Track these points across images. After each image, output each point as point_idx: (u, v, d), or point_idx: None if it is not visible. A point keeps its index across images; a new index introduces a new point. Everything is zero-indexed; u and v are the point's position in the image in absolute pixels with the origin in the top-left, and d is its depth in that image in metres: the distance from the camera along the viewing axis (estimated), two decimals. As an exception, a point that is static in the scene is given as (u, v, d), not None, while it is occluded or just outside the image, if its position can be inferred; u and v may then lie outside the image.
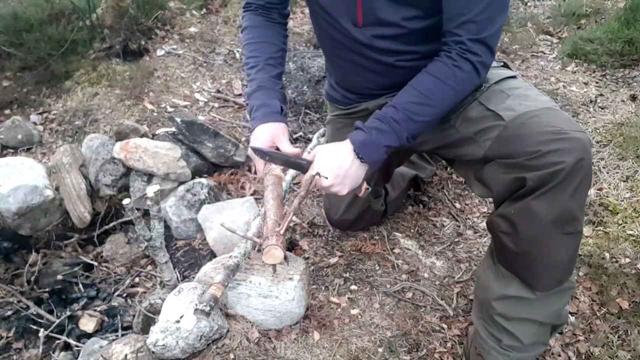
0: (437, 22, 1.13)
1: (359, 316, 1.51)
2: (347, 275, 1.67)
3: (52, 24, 2.64)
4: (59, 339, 1.65)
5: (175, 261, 1.81)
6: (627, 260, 1.69)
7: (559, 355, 1.43)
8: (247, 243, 1.39)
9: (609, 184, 2.01)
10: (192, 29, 2.97)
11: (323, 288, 1.61)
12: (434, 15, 1.14)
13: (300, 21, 3.28)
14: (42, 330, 1.65)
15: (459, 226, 1.92)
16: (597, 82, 2.79)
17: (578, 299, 1.58)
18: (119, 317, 1.72)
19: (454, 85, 1.12)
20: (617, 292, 1.59)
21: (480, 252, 1.80)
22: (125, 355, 1.28)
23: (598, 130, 2.33)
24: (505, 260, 1.19)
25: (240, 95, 2.59)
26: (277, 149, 1.26)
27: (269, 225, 1.10)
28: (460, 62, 1.10)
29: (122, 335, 1.60)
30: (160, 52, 2.73)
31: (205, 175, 2.09)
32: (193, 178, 2.03)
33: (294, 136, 2.34)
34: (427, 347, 1.44)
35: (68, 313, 1.74)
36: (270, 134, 1.26)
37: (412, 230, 1.89)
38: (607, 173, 2.06)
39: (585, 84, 2.79)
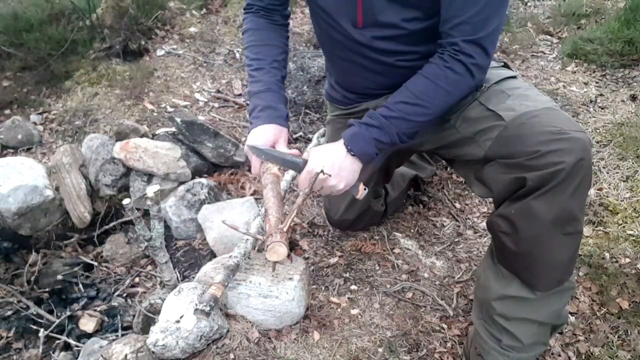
0: (437, 23, 1.14)
1: (359, 316, 1.51)
2: (347, 275, 1.67)
3: (52, 24, 2.64)
4: (59, 339, 1.65)
5: (175, 261, 1.81)
6: (627, 260, 1.69)
7: (559, 355, 1.43)
8: (247, 243, 1.39)
9: (609, 184, 2.01)
10: (192, 29, 2.97)
11: (323, 288, 1.61)
12: (433, 17, 1.14)
13: (300, 21, 3.28)
14: (42, 330, 1.65)
15: (459, 226, 1.92)
16: (597, 82, 2.79)
17: (578, 299, 1.58)
18: (119, 317, 1.72)
19: (446, 87, 1.12)
20: (617, 292, 1.59)
21: (480, 252, 1.80)
22: (125, 355, 1.28)
23: (598, 130, 2.33)
24: (506, 260, 1.19)
25: (240, 95, 2.59)
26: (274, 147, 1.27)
27: (272, 223, 1.09)
28: (452, 63, 1.10)
29: (122, 335, 1.60)
30: (160, 52, 2.73)
31: (205, 175, 2.09)
32: (193, 178, 2.03)
33: (294, 136, 2.34)
34: (427, 347, 1.44)
35: (68, 313, 1.74)
36: (272, 135, 1.26)
37: (412, 230, 1.89)
38: (607, 173, 2.06)
39: (585, 84, 2.79)
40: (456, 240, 1.86)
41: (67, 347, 1.65)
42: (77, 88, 2.47)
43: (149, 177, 1.99)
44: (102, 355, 1.31)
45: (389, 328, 1.49)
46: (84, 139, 2.11)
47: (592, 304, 1.58)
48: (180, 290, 1.34)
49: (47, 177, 1.94)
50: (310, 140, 2.25)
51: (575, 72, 2.92)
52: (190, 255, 1.85)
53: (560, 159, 1.00)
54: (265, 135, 1.26)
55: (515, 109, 1.12)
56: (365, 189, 1.23)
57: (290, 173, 1.68)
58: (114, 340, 1.47)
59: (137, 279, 1.86)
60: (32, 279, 1.87)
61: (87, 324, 1.70)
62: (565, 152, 1.00)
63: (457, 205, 2.02)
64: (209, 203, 1.90)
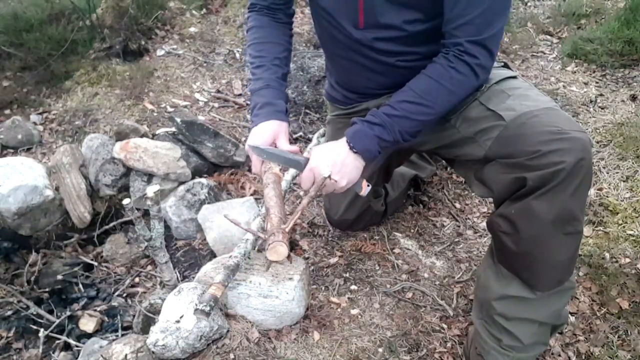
0: (438, 25, 1.14)
1: (359, 316, 1.51)
2: (347, 275, 1.67)
3: (52, 24, 2.64)
4: (59, 339, 1.65)
5: (175, 261, 1.81)
6: (627, 260, 1.68)
7: (559, 355, 1.43)
8: (247, 243, 1.39)
9: (609, 184, 2.01)
10: (192, 29, 2.97)
11: (323, 288, 1.61)
12: (434, 18, 1.14)
13: (300, 21, 3.27)
14: (42, 330, 1.65)
15: (459, 226, 1.92)
16: (597, 82, 2.79)
17: (578, 299, 1.58)
18: (119, 317, 1.72)
19: (450, 87, 1.12)
20: (617, 292, 1.59)
21: (480, 252, 1.80)
22: (125, 355, 1.28)
23: (598, 130, 2.33)
24: (506, 260, 1.20)
25: (240, 95, 2.59)
26: (276, 146, 1.27)
27: (275, 222, 1.08)
28: (457, 63, 1.10)
29: (122, 335, 1.60)
30: (160, 52, 2.73)
31: (205, 175, 2.09)
32: (193, 178, 2.03)
33: (294, 136, 2.34)
34: (427, 347, 1.44)
35: (68, 313, 1.74)
36: (272, 132, 1.26)
37: (412, 230, 1.89)
38: (607, 173, 2.06)
39: (585, 84, 2.79)
40: (456, 240, 1.86)
41: (67, 347, 1.65)
42: (77, 88, 2.47)
43: (149, 177, 1.99)
44: (102, 355, 1.31)
45: (389, 328, 1.49)
46: (84, 139, 2.11)
47: (592, 304, 1.58)
48: (180, 290, 1.34)
49: (47, 177, 1.94)
50: (310, 140, 2.25)
51: (575, 72, 2.92)
52: (190, 255, 1.85)
53: (560, 159, 1.00)
54: (266, 132, 1.26)
55: (515, 109, 1.12)
56: (368, 186, 1.23)
57: (290, 173, 1.68)
58: (114, 340, 1.47)
59: (137, 279, 1.86)
60: (32, 279, 1.87)
61: (87, 324, 1.70)
62: (566, 152, 1.00)
63: (457, 205, 2.02)
64: (209, 203, 1.90)
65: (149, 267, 1.90)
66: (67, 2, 2.66)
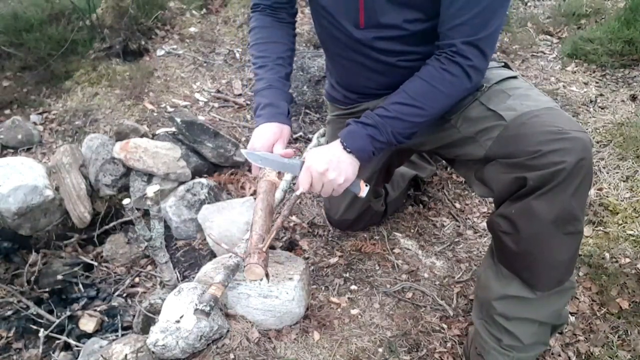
0: (438, 24, 1.14)
1: (359, 316, 1.51)
2: (347, 275, 1.67)
3: (52, 24, 2.64)
4: (59, 339, 1.65)
5: (175, 261, 1.81)
6: (627, 260, 1.68)
7: (559, 355, 1.43)
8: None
9: (609, 184, 2.01)
10: (192, 29, 2.97)
11: (323, 288, 1.61)
12: (435, 18, 1.14)
13: (300, 21, 3.27)
14: (42, 330, 1.65)
15: (459, 226, 1.92)
16: (597, 82, 2.79)
17: (578, 299, 1.58)
18: (119, 317, 1.72)
19: (442, 89, 1.12)
20: (617, 292, 1.59)
21: (480, 252, 1.80)
22: (125, 355, 1.28)
23: (598, 130, 2.33)
24: (506, 260, 1.19)
25: (240, 95, 2.59)
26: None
27: (253, 241, 1.13)
28: (449, 65, 1.10)
29: (122, 335, 1.60)
30: (160, 52, 2.73)
31: (205, 175, 2.09)
32: (193, 178, 2.03)
33: (294, 136, 2.34)
34: (427, 347, 1.44)
35: (68, 313, 1.74)
36: (272, 135, 1.26)
37: (412, 230, 1.89)
38: (607, 173, 2.06)
39: (585, 84, 2.79)
40: (456, 240, 1.86)
41: (67, 347, 1.65)
42: (77, 88, 2.47)
43: (149, 177, 1.99)
44: (102, 355, 1.30)
45: (389, 328, 1.49)
46: (84, 139, 2.11)
47: (592, 304, 1.58)
48: (180, 290, 1.34)
49: (47, 177, 1.94)
50: (310, 140, 2.25)
51: (575, 72, 2.92)
52: (190, 255, 1.85)
53: (561, 159, 1.00)
54: (266, 135, 1.26)
55: (516, 109, 1.12)
56: (367, 186, 1.23)
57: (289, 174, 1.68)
58: (114, 340, 1.47)
59: (137, 279, 1.86)
60: (32, 279, 1.87)
61: (87, 324, 1.70)
62: (566, 152, 1.00)
63: (457, 205, 2.02)
64: (209, 203, 1.90)
65: (149, 267, 1.90)
66: (67, 2, 2.66)
